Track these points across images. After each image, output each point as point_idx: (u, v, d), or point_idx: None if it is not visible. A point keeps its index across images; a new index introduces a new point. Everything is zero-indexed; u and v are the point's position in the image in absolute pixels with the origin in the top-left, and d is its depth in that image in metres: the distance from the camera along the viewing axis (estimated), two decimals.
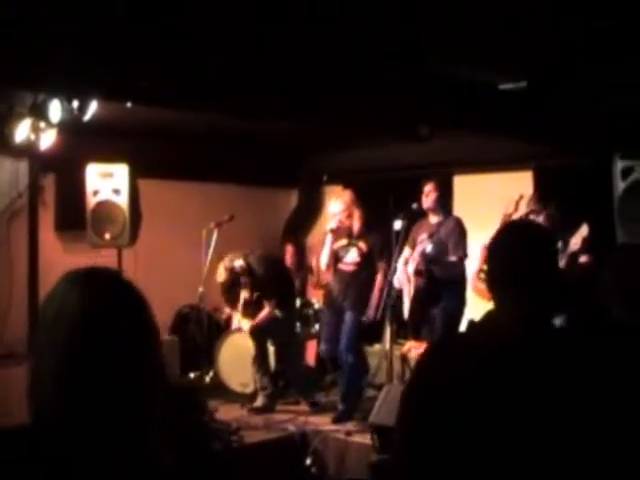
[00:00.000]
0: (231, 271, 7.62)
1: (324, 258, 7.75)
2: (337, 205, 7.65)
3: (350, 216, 7.59)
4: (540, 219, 6.78)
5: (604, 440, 2.02)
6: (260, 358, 7.93)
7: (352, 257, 7.65)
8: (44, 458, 1.43)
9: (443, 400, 2.07)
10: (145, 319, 1.56)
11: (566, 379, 2.05)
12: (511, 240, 2.29)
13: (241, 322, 7.88)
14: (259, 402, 7.86)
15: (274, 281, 7.87)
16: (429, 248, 7.18)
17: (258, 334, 7.85)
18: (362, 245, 7.58)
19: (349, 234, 7.66)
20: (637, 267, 2.78)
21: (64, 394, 1.46)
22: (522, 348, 2.11)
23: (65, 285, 1.54)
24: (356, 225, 7.64)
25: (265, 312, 7.78)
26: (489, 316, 2.24)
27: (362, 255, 7.60)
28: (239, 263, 7.62)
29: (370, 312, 7.40)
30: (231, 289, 7.74)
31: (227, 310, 8.23)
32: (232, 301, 7.94)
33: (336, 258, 7.73)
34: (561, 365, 2.08)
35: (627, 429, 2.07)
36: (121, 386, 1.48)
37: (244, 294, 7.90)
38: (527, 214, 6.85)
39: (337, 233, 7.61)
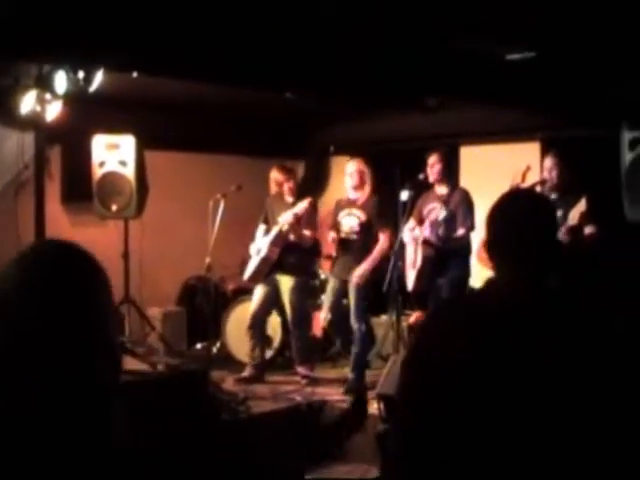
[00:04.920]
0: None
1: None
2: (352, 165, 7.74)
3: (362, 183, 7.65)
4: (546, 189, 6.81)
5: (602, 402, 2.03)
6: (257, 326, 7.90)
7: (352, 226, 7.69)
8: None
9: (442, 366, 2.08)
10: (88, 293, 1.47)
11: (565, 343, 2.05)
12: (510, 207, 2.29)
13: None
14: (246, 372, 7.86)
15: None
16: (442, 215, 7.17)
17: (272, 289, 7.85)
18: (361, 215, 7.61)
19: (350, 203, 7.73)
20: None
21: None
22: (520, 312, 2.12)
23: (12, 262, 1.48)
24: (363, 195, 7.70)
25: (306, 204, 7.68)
26: (488, 283, 2.26)
27: (361, 225, 7.64)
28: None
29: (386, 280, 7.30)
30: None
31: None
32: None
33: (337, 228, 7.79)
34: (560, 329, 2.08)
35: (625, 393, 2.07)
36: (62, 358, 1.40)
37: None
38: (534, 185, 6.80)
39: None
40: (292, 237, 7.73)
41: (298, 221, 7.68)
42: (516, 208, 2.28)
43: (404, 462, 2.13)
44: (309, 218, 7.81)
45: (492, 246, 2.26)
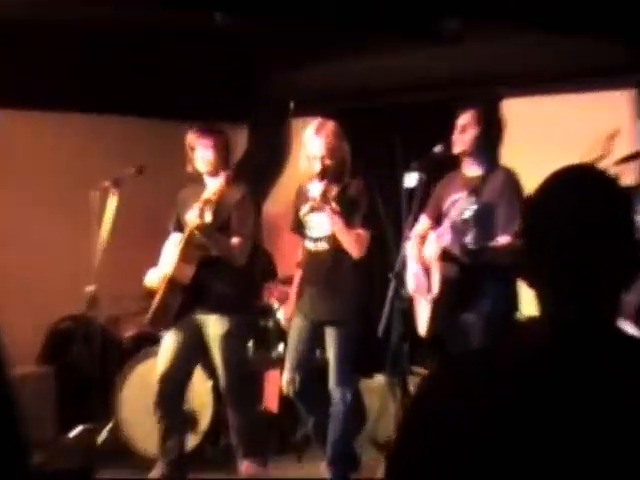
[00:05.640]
0: None
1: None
2: (317, 140, 5.66)
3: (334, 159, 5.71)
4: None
5: None
6: (170, 397, 5.84)
7: (323, 229, 5.73)
8: None
9: (443, 435, 1.71)
10: None
11: (612, 417, 1.57)
12: (559, 197, 1.66)
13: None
14: (156, 472, 5.86)
15: None
16: (468, 212, 5.31)
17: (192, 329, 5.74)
18: (337, 208, 5.67)
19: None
20: None
21: None
22: (568, 371, 1.65)
23: None
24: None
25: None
26: (530, 322, 2.14)
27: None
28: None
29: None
30: None
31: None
32: None
33: (301, 231, 5.89)
34: (610, 394, 1.59)
35: None
36: None
37: None
38: (626, 160, 5.40)
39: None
40: (214, 249, 5.62)
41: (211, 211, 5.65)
42: (570, 198, 1.66)
43: None
44: (240, 212, 5.69)
45: (531, 262, 1.77)
